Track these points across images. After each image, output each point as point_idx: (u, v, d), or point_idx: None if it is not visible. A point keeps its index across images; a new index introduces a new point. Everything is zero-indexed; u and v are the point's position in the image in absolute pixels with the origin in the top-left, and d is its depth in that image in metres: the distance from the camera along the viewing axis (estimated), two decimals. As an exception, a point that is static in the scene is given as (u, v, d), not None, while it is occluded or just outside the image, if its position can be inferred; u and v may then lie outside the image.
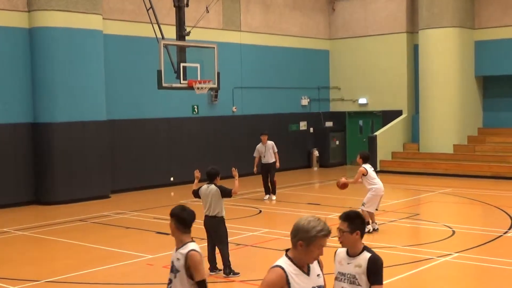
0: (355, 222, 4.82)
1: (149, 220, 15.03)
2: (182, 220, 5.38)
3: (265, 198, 17.72)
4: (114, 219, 15.33)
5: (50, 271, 10.52)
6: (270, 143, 17.77)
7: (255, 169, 17.80)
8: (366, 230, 12.74)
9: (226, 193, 9.86)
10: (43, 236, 13.51)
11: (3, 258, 11.63)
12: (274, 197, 17.72)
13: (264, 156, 17.71)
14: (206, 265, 5.34)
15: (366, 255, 4.82)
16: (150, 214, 15.71)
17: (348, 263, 4.84)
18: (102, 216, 15.72)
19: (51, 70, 17.57)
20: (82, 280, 9.94)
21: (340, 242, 4.84)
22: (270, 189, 17.79)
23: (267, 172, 17.76)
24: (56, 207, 17.10)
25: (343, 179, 12.66)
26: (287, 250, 4.39)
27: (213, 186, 9.91)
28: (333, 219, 14.58)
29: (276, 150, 17.81)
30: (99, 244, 12.39)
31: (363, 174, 12.81)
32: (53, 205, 17.34)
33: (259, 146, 17.82)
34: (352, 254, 4.84)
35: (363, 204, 12.86)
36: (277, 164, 17.80)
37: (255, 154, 17.87)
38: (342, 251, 4.92)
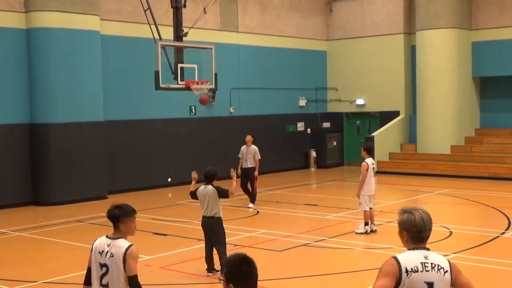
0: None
1: (146, 221, 15.02)
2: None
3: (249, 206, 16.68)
4: (112, 220, 15.29)
5: (48, 272, 10.51)
6: (254, 147, 16.72)
7: (238, 171, 16.69)
8: (363, 231, 12.92)
9: (223, 193, 9.87)
10: (41, 237, 13.49)
11: (0, 259, 11.61)
12: (251, 205, 16.63)
13: (245, 160, 16.72)
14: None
15: None
16: (148, 215, 15.70)
17: None
18: (99, 217, 15.69)
19: (48, 71, 17.55)
20: (79, 281, 9.88)
21: None
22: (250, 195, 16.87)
23: (245, 178, 16.78)
24: (54, 208, 17.08)
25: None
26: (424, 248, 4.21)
27: (210, 187, 9.92)
28: (331, 219, 14.66)
29: (259, 157, 16.71)
30: (96, 245, 12.36)
31: (366, 170, 12.82)
32: (50, 206, 17.32)
33: (243, 147, 16.90)
34: None
35: (360, 204, 12.95)
36: (256, 172, 16.59)
37: (239, 155, 16.98)
38: None
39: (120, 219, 5.40)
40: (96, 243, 5.48)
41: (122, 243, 5.39)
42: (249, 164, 16.68)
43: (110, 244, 5.38)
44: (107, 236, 5.44)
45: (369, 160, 12.91)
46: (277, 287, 9.50)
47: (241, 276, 3.58)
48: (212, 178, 9.99)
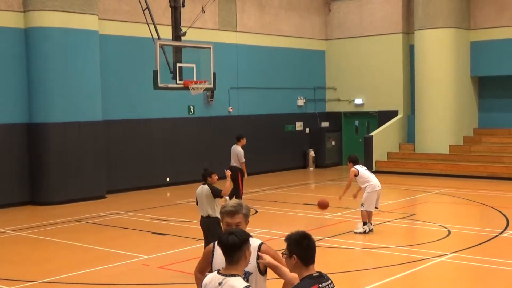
0: None
1: (145, 220, 15.01)
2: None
3: None
4: (110, 219, 15.31)
5: (46, 271, 10.50)
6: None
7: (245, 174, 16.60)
8: (362, 230, 12.91)
9: (216, 193, 9.89)
10: (39, 236, 13.48)
11: (-2, 259, 11.61)
12: None
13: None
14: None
15: None
16: (146, 215, 15.69)
17: None
18: (98, 216, 15.70)
19: (46, 70, 17.53)
20: (78, 281, 9.92)
21: None
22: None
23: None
24: (52, 208, 17.06)
25: (323, 200, 12.42)
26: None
27: (205, 186, 9.93)
28: (329, 219, 14.65)
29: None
30: (95, 244, 12.37)
31: (355, 175, 12.91)
32: (49, 205, 17.30)
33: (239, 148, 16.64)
34: None
35: (361, 205, 12.92)
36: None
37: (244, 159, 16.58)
38: None
39: (239, 248, 4.30)
40: (206, 280, 4.42)
41: (238, 283, 4.24)
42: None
43: (222, 282, 4.28)
44: (218, 272, 4.37)
45: (357, 166, 13.01)
46: (276, 286, 9.48)
47: (303, 249, 4.38)
48: (206, 177, 10.02)
